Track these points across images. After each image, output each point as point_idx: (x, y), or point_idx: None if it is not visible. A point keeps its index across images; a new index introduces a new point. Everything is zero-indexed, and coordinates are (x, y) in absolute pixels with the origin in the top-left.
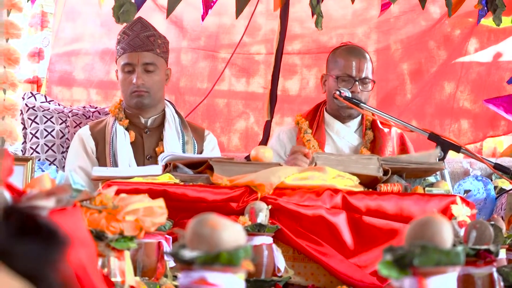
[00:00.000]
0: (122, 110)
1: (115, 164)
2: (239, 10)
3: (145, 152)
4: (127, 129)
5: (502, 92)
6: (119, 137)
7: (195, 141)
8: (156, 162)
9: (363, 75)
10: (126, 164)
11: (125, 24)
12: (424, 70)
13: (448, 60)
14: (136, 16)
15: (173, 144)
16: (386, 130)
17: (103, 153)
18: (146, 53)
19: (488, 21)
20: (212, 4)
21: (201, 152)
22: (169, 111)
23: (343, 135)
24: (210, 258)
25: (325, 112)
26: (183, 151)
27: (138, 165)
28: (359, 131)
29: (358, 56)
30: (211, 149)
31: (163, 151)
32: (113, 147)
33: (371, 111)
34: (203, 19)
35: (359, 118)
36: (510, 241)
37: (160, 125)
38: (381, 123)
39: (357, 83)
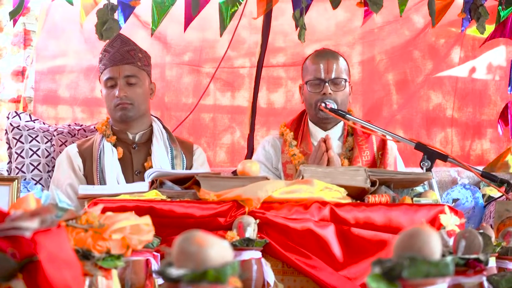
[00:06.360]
0: (110, 127)
1: (102, 181)
2: (222, 28)
3: (133, 168)
4: (114, 145)
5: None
6: (107, 154)
7: (184, 156)
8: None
9: (333, 76)
10: (114, 180)
11: (107, 40)
12: (410, 80)
13: (434, 69)
14: (120, 32)
15: (161, 159)
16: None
17: (91, 171)
18: (127, 66)
19: (472, 30)
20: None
21: (190, 167)
22: (157, 127)
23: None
24: (197, 276)
25: (309, 121)
26: (172, 166)
27: (126, 181)
28: (342, 139)
29: (326, 57)
30: (200, 164)
31: (151, 166)
32: (101, 163)
33: (357, 122)
34: (185, 30)
35: (341, 124)
36: (499, 249)
37: (148, 141)
38: (362, 131)
39: (327, 84)
